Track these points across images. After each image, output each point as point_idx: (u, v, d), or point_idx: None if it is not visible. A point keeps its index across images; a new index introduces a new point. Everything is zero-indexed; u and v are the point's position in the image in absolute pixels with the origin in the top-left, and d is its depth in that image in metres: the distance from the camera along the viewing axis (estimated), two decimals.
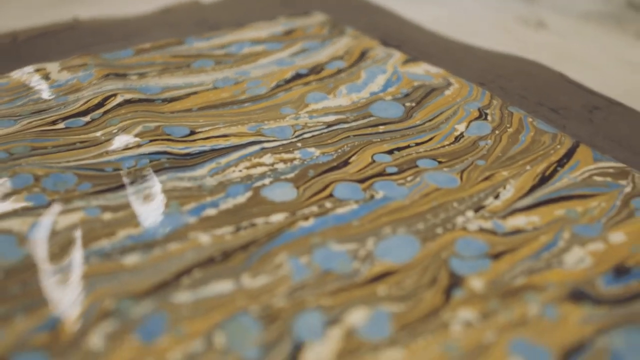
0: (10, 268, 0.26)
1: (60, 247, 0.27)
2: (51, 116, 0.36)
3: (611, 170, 0.33)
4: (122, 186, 0.31)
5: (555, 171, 0.33)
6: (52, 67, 0.41)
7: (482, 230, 0.29)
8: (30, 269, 0.26)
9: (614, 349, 0.23)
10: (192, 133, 0.35)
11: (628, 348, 0.23)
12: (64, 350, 0.22)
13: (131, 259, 0.26)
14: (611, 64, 0.48)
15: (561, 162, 0.33)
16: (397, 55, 0.44)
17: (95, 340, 0.23)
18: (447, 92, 0.40)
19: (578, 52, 0.50)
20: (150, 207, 0.29)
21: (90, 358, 0.22)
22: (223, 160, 0.33)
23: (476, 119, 0.37)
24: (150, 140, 0.34)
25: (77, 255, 0.26)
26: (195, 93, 0.39)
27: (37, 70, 0.41)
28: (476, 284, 0.26)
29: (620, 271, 0.27)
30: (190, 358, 0.22)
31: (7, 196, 0.30)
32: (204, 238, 0.27)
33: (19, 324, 0.23)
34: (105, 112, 0.36)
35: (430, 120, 0.37)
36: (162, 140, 0.34)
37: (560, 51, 0.50)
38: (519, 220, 0.29)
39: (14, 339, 0.23)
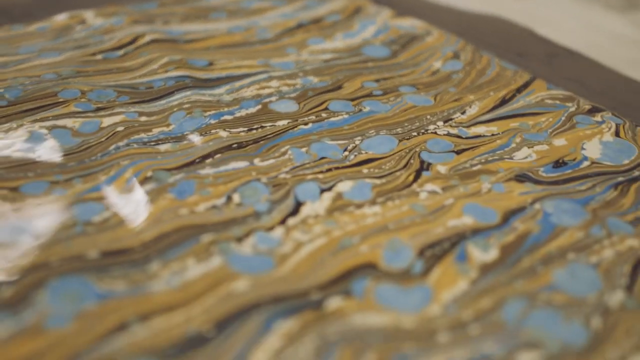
0: (68, 150, 0.32)
1: (106, 137, 0.33)
2: (90, 50, 0.43)
3: (561, 96, 0.39)
4: (154, 99, 0.37)
5: (513, 96, 0.39)
6: (88, 14, 0.48)
7: (449, 134, 0.35)
8: (84, 151, 0.32)
9: (545, 211, 0.30)
10: (211, 64, 0.41)
11: (555, 210, 0.30)
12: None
13: (164, 147, 0.33)
14: (577, 26, 0.55)
15: (519, 90, 0.40)
16: (387, 12, 0.51)
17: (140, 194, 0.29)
18: (428, 39, 0.46)
19: (549, 16, 0.56)
20: (177, 115, 0.36)
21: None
22: (237, 84, 0.39)
23: (451, 58, 0.44)
24: (176, 67, 0.40)
25: (120, 142, 0.33)
26: (212, 36, 0.46)
27: (75, 16, 0.47)
28: (441, 168, 0.32)
29: (558, 163, 0.33)
30: (214, 209, 0.29)
31: (60, 104, 0.36)
32: (223, 133, 0.34)
33: (77, 186, 0.30)
34: (136, 48, 0.43)
35: (411, 59, 0.44)
36: (186, 68, 0.40)
37: (533, 15, 0.56)
38: (480, 129, 0.36)
39: (74, 195, 0.29)
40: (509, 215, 0.29)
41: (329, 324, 0.23)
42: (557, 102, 0.39)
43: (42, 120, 0.34)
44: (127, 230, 0.27)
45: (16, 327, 0.23)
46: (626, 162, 0.34)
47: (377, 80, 0.40)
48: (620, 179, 0.32)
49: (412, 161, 0.33)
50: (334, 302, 0.24)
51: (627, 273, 0.27)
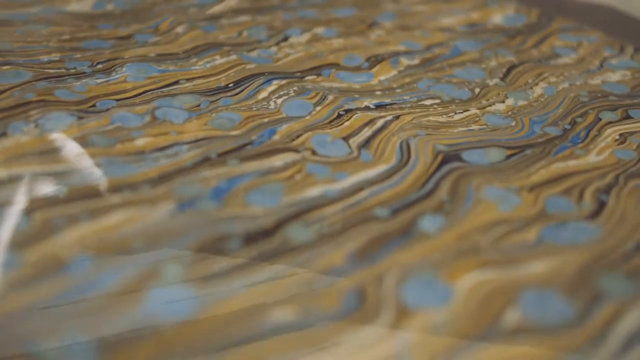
0: (122, 10, 0.46)
1: (150, 5, 0.47)
2: None
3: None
4: None
5: None
6: None
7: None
8: (134, 11, 0.46)
9: (456, 45, 0.44)
10: None
11: (461, 44, 0.44)
12: (164, 43, 0.43)
13: (192, 10, 0.47)
14: None
15: None
16: None
17: (179, 29, 0.43)
18: None
19: None
20: None
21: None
22: None
23: None
24: None
25: (160, 6, 0.47)
26: None
27: None
28: (388, 25, 0.46)
29: (470, 24, 0.47)
30: (230, 37, 0.42)
31: (101, 6, 0.50)
32: (232, 2, 0.48)
33: (134, 26, 0.43)
34: None
35: None
36: None
37: None
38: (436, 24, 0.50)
39: (133, 52, 0.43)
40: (430, 46, 0.43)
41: (306, 82, 0.37)
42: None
43: None
44: (173, 45, 0.41)
45: (107, 80, 0.36)
46: (518, 25, 0.48)
47: None
48: (512, 33, 0.47)
49: (368, 21, 0.47)
50: (310, 77, 0.38)
51: (504, 71, 0.41)
